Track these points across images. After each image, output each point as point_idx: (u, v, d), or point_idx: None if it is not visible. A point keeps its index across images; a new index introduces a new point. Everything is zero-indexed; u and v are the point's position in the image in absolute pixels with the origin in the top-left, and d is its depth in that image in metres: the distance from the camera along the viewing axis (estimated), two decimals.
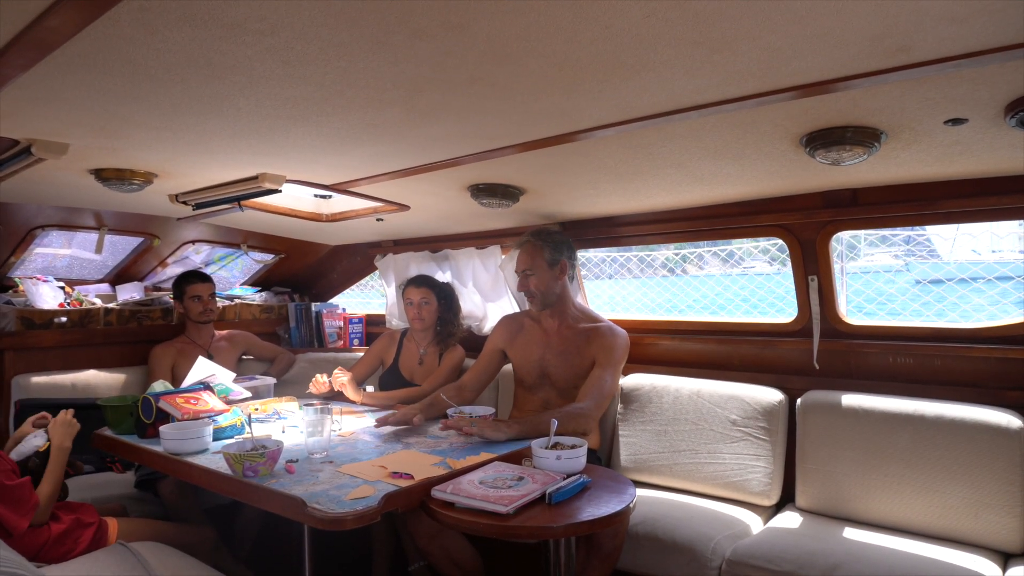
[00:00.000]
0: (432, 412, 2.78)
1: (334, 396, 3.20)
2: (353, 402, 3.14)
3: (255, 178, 2.49)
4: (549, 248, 2.82)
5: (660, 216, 2.99)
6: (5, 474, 2.00)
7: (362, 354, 3.60)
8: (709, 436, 2.71)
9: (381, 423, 2.57)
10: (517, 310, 3.42)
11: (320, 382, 3.11)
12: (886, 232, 4.10)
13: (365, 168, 2.39)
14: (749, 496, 2.61)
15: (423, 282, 3.32)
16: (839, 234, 2.59)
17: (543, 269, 2.81)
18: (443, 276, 3.71)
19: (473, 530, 1.82)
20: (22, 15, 1.20)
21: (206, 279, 3.58)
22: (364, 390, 3.21)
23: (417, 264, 3.87)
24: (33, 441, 2.24)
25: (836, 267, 2.65)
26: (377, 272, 4.22)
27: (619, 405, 2.97)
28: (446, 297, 3.35)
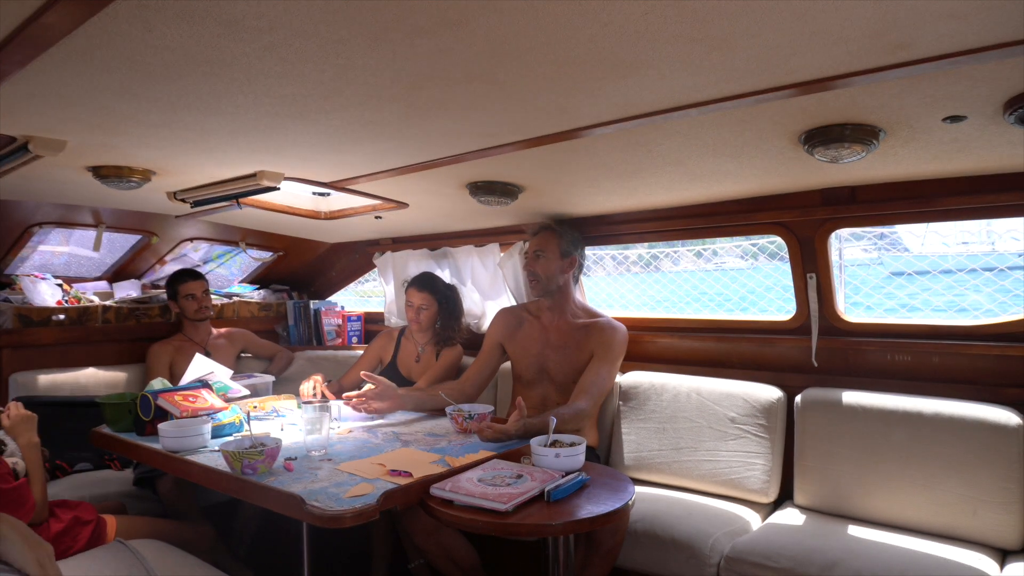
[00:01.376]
0: (427, 408, 2.79)
1: None
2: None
3: (253, 176, 2.49)
4: (565, 239, 2.87)
5: (659, 214, 2.99)
6: (2, 478, 2.00)
7: (361, 352, 3.60)
8: (708, 434, 2.72)
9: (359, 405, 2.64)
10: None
11: (315, 382, 3.08)
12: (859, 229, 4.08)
13: (364, 165, 2.38)
14: (748, 493, 2.62)
15: (425, 285, 3.28)
16: (837, 231, 2.59)
17: (554, 256, 2.84)
18: (442, 274, 3.69)
19: (472, 528, 1.82)
20: (19, 11, 1.19)
21: (198, 276, 3.58)
22: (363, 387, 3.19)
23: (416, 262, 3.87)
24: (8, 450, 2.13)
25: (835, 265, 2.65)
26: (370, 273, 4.20)
27: (618, 402, 2.97)
28: (448, 301, 3.31)
